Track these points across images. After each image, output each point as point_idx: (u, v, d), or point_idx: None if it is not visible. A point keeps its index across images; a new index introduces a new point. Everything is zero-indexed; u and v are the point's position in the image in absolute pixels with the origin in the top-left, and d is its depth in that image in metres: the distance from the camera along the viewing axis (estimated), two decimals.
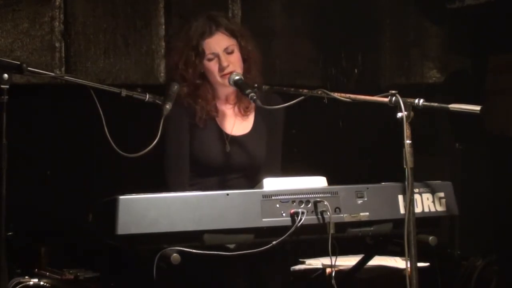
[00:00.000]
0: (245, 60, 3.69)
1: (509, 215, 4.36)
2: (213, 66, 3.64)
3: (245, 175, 3.70)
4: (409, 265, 3.13)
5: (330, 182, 3.33)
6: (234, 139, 3.71)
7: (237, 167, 3.68)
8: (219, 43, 3.63)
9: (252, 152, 3.72)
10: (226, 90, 3.70)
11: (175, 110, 3.40)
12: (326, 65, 5.33)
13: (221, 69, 3.63)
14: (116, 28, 4.80)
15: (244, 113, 3.75)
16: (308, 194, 3.21)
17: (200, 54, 3.63)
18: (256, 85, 3.61)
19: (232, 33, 3.66)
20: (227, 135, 3.71)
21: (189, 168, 3.64)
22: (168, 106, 3.36)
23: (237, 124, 3.74)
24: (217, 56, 3.63)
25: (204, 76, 3.68)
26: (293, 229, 3.14)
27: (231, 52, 3.64)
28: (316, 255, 4.14)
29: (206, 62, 3.64)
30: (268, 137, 3.79)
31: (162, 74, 4.88)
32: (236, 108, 3.76)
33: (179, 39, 3.71)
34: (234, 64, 3.63)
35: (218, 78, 3.64)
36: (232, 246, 3.16)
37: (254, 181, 3.67)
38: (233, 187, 3.56)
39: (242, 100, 3.73)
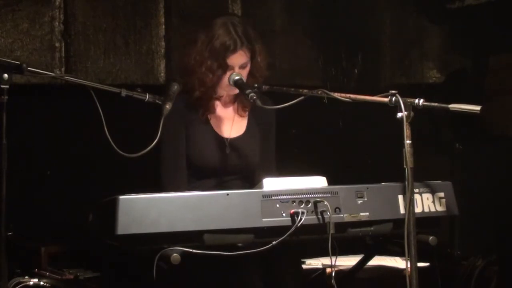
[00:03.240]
0: (252, 68, 3.70)
1: (509, 215, 4.35)
2: (225, 76, 3.65)
3: (242, 176, 3.71)
4: (409, 265, 3.13)
5: (330, 182, 3.33)
6: (233, 141, 3.73)
7: (235, 169, 3.70)
8: (238, 60, 3.64)
9: (249, 153, 3.74)
10: (227, 94, 3.72)
11: (171, 111, 3.39)
12: (326, 65, 5.33)
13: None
14: (116, 28, 4.80)
15: (242, 113, 3.77)
16: (308, 194, 3.21)
17: (223, 67, 3.63)
18: (256, 85, 3.61)
19: (251, 50, 3.66)
20: (227, 137, 3.72)
21: (186, 169, 3.65)
22: (168, 106, 3.37)
23: (234, 125, 3.76)
24: (232, 69, 3.64)
25: None
26: (293, 229, 3.13)
27: (244, 67, 3.66)
28: (316, 255, 4.14)
29: None
30: (262, 138, 3.80)
31: (162, 74, 4.88)
32: (233, 109, 3.78)
33: (200, 42, 3.65)
34: (243, 76, 3.66)
35: (225, 87, 3.66)
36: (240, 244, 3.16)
37: (250, 182, 3.71)
38: (230, 188, 3.56)
39: (240, 101, 3.75)
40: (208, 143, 3.69)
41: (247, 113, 3.80)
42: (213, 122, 3.74)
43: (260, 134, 3.81)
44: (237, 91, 3.66)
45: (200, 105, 3.70)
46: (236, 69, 3.63)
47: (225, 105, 3.77)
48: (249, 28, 3.72)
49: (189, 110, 3.66)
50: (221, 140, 3.72)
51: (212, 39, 3.62)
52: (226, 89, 3.68)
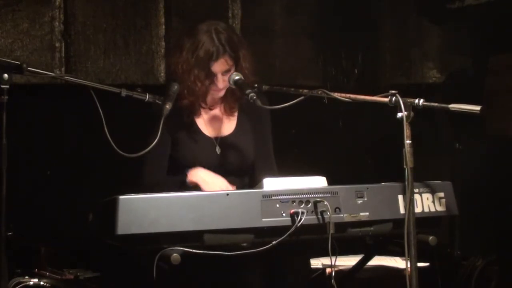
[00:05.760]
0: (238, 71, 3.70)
1: (509, 215, 4.35)
2: (213, 85, 3.66)
3: (236, 175, 3.70)
4: (409, 265, 3.14)
5: (330, 182, 3.33)
6: (223, 140, 3.73)
7: (230, 167, 3.69)
8: (221, 67, 3.63)
9: (241, 151, 3.73)
10: (214, 97, 3.73)
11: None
12: (326, 65, 5.33)
13: (215, 88, 3.66)
14: (116, 28, 4.80)
15: (229, 112, 3.77)
16: (308, 194, 3.22)
17: (209, 75, 3.63)
18: (256, 85, 3.62)
19: (234, 57, 3.65)
20: (216, 137, 3.72)
21: (167, 166, 3.63)
22: (168, 106, 3.38)
23: (223, 125, 3.76)
24: (215, 76, 3.64)
25: None
26: (293, 229, 3.14)
27: (227, 74, 3.65)
28: (316, 255, 4.14)
29: None
30: (256, 136, 3.80)
31: (162, 74, 4.88)
32: (220, 110, 3.77)
33: (185, 50, 3.64)
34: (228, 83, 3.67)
35: (211, 92, 3.68)
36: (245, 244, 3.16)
37: (248, 179, 3.72)
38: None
39: (227, 100, 3.75)
40: (198, 145, 3.68)
41: (235, 112, 3.79)
42: (200, 124, 3.73)
43: (252, 130, 3.80)
44: (223, 93, 3.67)
45: (187, 109, 3.69)
46: (219, 76, 3.63)
47: (211, 106, 3.76)
48: (234, 34, 3.72)
49: (174, 114, 3.56)
50: (210, 141, 3.72)
51: (197, 47, 3.61)
52: (215, 94, 3.68)
